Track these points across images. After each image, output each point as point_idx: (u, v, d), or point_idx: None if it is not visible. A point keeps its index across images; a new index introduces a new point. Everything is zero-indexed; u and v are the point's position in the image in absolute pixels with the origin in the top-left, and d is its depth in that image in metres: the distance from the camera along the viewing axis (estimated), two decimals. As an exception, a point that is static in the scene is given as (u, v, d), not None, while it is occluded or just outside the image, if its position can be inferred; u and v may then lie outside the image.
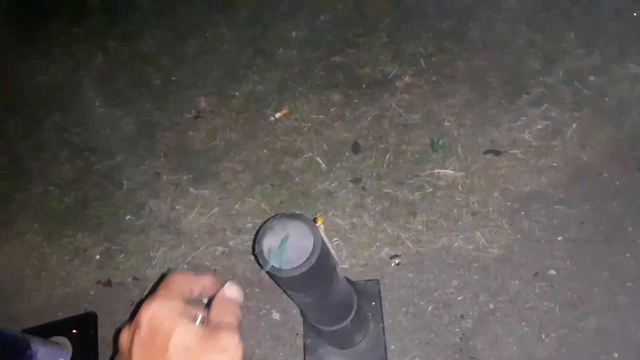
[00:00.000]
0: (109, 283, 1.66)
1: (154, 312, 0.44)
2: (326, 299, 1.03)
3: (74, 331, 1.58)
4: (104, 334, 1.58)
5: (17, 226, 1.83)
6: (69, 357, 1.52)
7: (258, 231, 0.92)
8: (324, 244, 0.91)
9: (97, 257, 1.71)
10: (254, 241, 0.91)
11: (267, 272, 0.89)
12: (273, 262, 0.90)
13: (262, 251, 0.90)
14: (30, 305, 1.68)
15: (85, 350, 1.55)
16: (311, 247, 0.88)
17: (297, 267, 0.86)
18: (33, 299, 1.69)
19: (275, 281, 1.01)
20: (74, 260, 1.72)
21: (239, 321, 0.48)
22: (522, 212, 1.46)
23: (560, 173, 1.50)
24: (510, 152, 1.55)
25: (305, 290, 0.96)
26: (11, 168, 1.95)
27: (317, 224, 0.93)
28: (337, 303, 1.10)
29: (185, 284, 0.49)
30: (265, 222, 0.93)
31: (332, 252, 1.01)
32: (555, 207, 1.45)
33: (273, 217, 0.93)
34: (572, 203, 1.46)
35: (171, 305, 0.45)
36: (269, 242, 0.91)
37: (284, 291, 1.02)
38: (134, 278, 1.65)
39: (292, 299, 1.05)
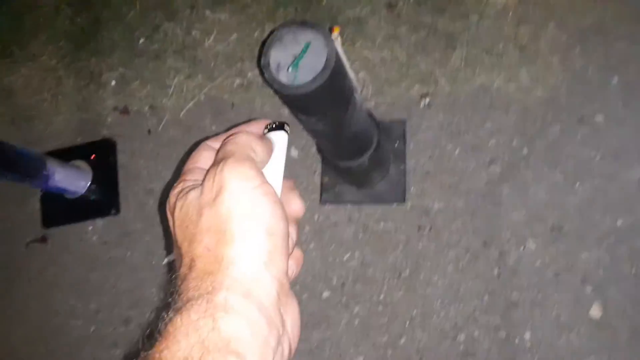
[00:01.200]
0: (126, 110, 1.61)
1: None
2: (342, 126, 0.93)
3: (93, 156, 1.57)
4: (123, 160, 1.57)
5: (31, 47, 1.74)
6: (90, 180, 1.53)
7: (265, 41, 0.80)
8: (339, 58, 0.78)
9: (113, 82, 1.64)
10: (260, 53, 0.79)
11: (275, 90, 0.79)
12: (282, 77, 0.79)
13: (268, 64, 0.79)
14: (50, 130, 1.66)
15: (105, 175, 1.55)
16: (324, 60, 0.76)
17: (308, 82, 0.75)
18: (51, 123, 1.67)
19: (285, 102, 0.91)
20: (90, 85, 1.65)
21: None
22: (578, 49, 1.27)
23: (629, 3, 1.26)
24: (576, -25, 1.30)
25: (317, 114, 0.86)
26: (19, -16, 1.81)
27: (333, 35, 0.80)
28: (354, 135, 1.00)
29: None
30: (273, 32, 0.80)
31: (350, 72, 0.89)
32: (617, 43, 1.25)
33: (282, 25, 0.80)
34: (636, 39, 1.24)
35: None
36: (277, 55, 0.79)
37: (296, 116, 0.92)
38: (151, 107, 1.59)
39: (304, 126, 0.96)
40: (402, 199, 1.29)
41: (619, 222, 1.19)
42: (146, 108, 1.59)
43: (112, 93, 1.63)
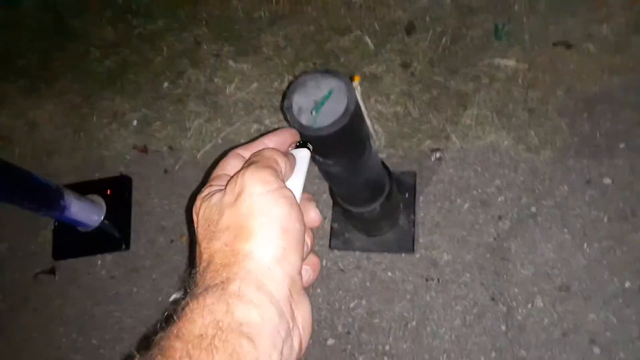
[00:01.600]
0: (144, 149, 1.66)
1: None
2: (356, 171, 0.96)
3: (109, 192, 1.61)
4: (138, 197, 1.60)
5: (58, 85, 1.83)
6: (103, 215, 1.56)
7: (288, 86, 0.84)
8: (358, 104, 0.83)
9: (135, 122, 1.70)
10: (283, 96, 0.84)
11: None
12: (303, 120, 0.83)
13: (291, 107, 0.83)
14: (69, 164, 1.71)
15: (118, 210, 1.58)
16: (344, 106, 0.80)
17: (328, 125, 0.79)
18: (71, 157, 1.72)
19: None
20: (112, 123, 1.72)
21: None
22: (585, 114, 1.32)
23: (636, 74, 1.33)
24: (583, 45, 1.37)
25: (334, 157, 0.89)
26: (54, 26, 1.91)
27: (353, 83, 0.85)
28: (368, 180, 1.03)
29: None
30: (297, 77, 0.85)
31: (368, 120, 0.93)
32: (624, 111, 1.30)
33: (306, 72, 0.85)
34: (644, 109, 1.30)
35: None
36: (299, 100, 0.84)
37: (313, 159, 0.96)
38: (169, 147, 1.64)
39: (321, 169, 0.99)
40: (411, 249, 1.30)
41: (627, 284, 1.19)
42: (165, 148, 1.64)
43: (133, 132, 1.69)
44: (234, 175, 0.40)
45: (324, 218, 1.42)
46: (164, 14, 1.79)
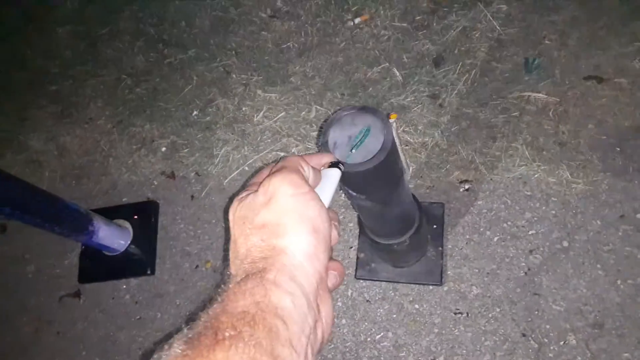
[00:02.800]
0: (172, 175, 1.68)
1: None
2: (388, 206, 0.96)
3: (136, 217, 1.63)
4: (164, 222, 1.62)
5: (89, 111, 1.87)
6: (130, 240, 1.57)
7: (324, 122, 0.85)
8: (394, 142, 0.83)
9: (163, 149, 1.73)
10: (319, 132, 0.84)
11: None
12: (337, 155, 0.83)
13: (326, 143, 0.83)
14: (97, 188, 1.74)
15: (144, 235, 1.59)
16: (381, 143, 0.80)
17: (363, 162, 0.79)
18: (100, 182, 1.75)
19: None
20: (141, 149, 1.75)
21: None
22: (618, 148, 1.30)
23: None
24: (615, 80, 1.36)
25: (367, 192, 0.89)
26: (88, 54, 1.97)
27: (390, 120, 0.85)
28: (399, 214, 1.03)
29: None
30: (333, 113, 0.86)
31: (402, 155, 0.93)
32: (658, 146, 1.29)
33: (342, 108, 0.85)
34: (678, 144, 1.28)
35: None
36: (334, 135, 0.84)
37: (345, 192, 0.96)
38: (197, 174, 1.66)
39: (352, 202, 0.99)
40: (439, 281, 1.28)
41: (663, 324, 1.16)
42: (192, 174, 1.66)
43: (162, 158, 1.71)
44: (265, 178, 0.44)
45: (350, 247, 1.41)
46: (195, 44, 1.83)
